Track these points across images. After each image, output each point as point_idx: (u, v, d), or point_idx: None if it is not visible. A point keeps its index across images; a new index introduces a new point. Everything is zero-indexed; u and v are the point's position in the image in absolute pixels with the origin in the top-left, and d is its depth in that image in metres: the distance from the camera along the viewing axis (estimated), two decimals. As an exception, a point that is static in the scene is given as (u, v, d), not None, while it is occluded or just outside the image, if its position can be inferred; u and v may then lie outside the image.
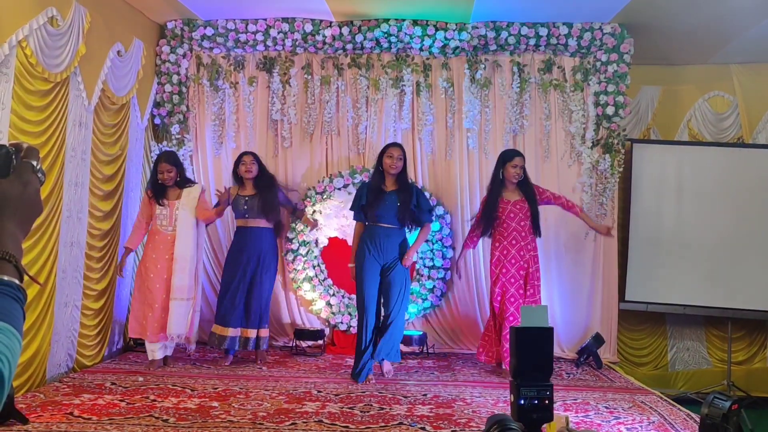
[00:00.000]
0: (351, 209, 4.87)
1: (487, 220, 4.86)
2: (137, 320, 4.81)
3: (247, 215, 5.04)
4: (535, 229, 4.86)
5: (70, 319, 4.54)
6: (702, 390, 5.72)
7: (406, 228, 4.75)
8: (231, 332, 4.93)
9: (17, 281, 0.78)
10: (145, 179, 5.71)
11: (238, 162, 5.12)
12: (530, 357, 1.07)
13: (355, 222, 4.85)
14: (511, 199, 4.87)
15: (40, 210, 0.86)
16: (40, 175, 0.86)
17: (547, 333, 1.09)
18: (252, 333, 4.99)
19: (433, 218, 5.08)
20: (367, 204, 4.67)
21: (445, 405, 3.95)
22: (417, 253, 5.31)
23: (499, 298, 4.86)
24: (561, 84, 5.80)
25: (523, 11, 5.49)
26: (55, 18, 4.12)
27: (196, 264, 4.86)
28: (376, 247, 4.62)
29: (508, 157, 4.92)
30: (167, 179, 4.84)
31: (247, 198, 5.04)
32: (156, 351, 4.77)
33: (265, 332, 5.07)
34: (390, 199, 4.65)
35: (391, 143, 4.90)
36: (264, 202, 5.00)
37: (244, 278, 4.98)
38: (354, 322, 5.68)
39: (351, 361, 5.29)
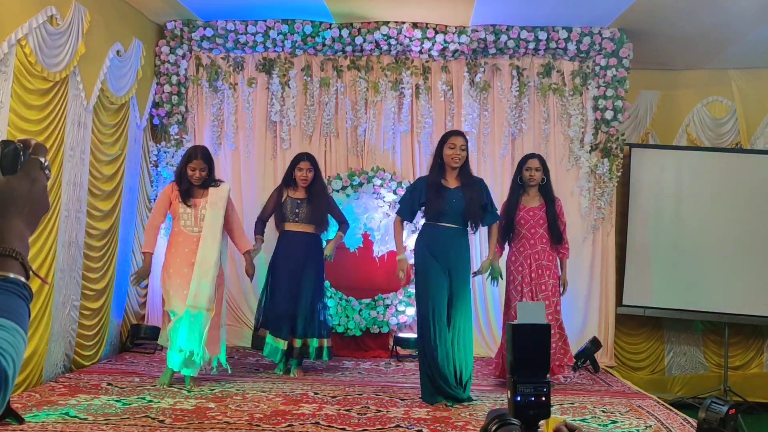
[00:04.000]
0: (401, 202, 4.41)
1: (504, 226, 4.62)
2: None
3: (297, 219, 4.78)
4: (553, 236, 4.56)
5: (68, 319, 4.52)
6: (699, 395, 5.72)
7: (469, 229, 4.27)
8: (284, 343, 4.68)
9: (23, 279, 0.78)
10: (144, 180, 5.70)
11: (294, 165, 4.82)
12: (527, 354, 1.10)
13: (395, 216, 4.39)
14: (527, 205, 4.64)
15: (47, 207, 0.85)
16: (47, 171, 0.85)
17: (544, 330, 1.12)
18: (316, 342, 4.77)
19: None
20: (427, 202, 4.17)
21: (443, 408, 3.94)
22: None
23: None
24: (560, 88, 5.82)
25: (522, 15, 5.50)
26: (55, 17, 4.12)
27: (219, 272, 4.35)
28: (441, 251, 4.11)
29: (523, 160, 4.72)
30: (198, 178, 4.33)
31: (298, 201, 4.77)
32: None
33: (330, 342, 4.88)
34: (456, 196, 4.14)
35: (452, 131, 4.44)
36: (314, 209, 4.75)
37: (296, 284, 4.72)
38: (351, 324, 5.67)
39: (348, 364, 5.30)
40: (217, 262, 4.27)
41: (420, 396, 4.11)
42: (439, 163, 4.20)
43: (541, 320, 1.22)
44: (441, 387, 4.00)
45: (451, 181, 4.19)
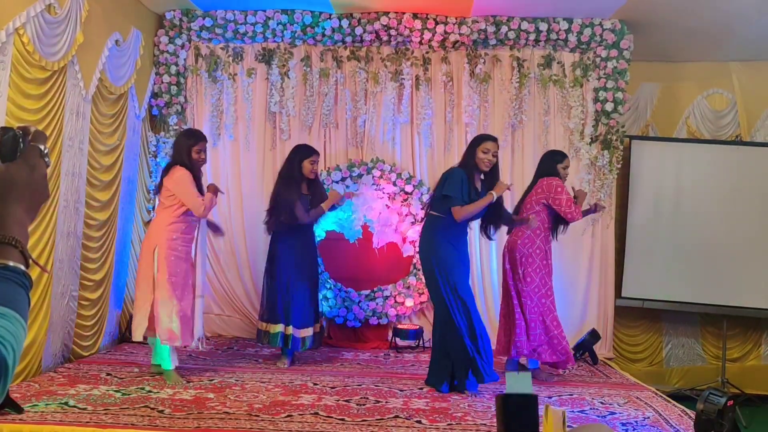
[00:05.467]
0: (456, 193, 4.07)
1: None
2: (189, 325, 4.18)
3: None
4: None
5: (67, 309, 4.52)
6: (696, 386, 5.74)
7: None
8: (305, 332, 4.70)
9: (23, 267, 0.77)
10: (142, 171, 5.68)
11: (303, 158, 4.69)
12: (516, 423, 1.13)
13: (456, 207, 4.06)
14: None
15: (46, 195, 0.84)
16: (46, 159, 0.84)
17: (531, 400, 1.16)
18: (317, 328, 4.84)
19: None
20: (468, 200, 4.11)
21: (441, 399, 3.95)
22: None
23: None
24: (560, 79, 5.80)
25: (523, 6, 5.48)
26: (53, 6, 4.09)
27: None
28: (463, 249, 4.20)
29: (561, 158, 4.67)
30: (203, 161, 4.25)
31: (302, 196, 4.71)
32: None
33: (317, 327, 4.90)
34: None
35: (487, 135, 4.32)
36: (317, 203, 4.73)
37: (312, 277, 4.80)
38: (350, 316, 5.68)
39: (348, 355, 5.31)
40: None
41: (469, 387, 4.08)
42: (472, 164, 4.15)
43: (527, 390, 1.24)
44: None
45: (478, 184, 4.21)
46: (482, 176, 4.21)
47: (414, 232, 5.73)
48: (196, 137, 4.27)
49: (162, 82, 5.77)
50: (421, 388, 4.18)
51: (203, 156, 4.24)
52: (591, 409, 3.85)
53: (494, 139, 4.25)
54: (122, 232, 5.29)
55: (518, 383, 1.11)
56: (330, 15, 5.67)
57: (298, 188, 4.68)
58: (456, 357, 4.05)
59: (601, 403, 4.00)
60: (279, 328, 4.67)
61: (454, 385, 4.11)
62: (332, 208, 4.88)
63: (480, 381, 4.03)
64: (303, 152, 4.73)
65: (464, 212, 4.07)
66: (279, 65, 5.86)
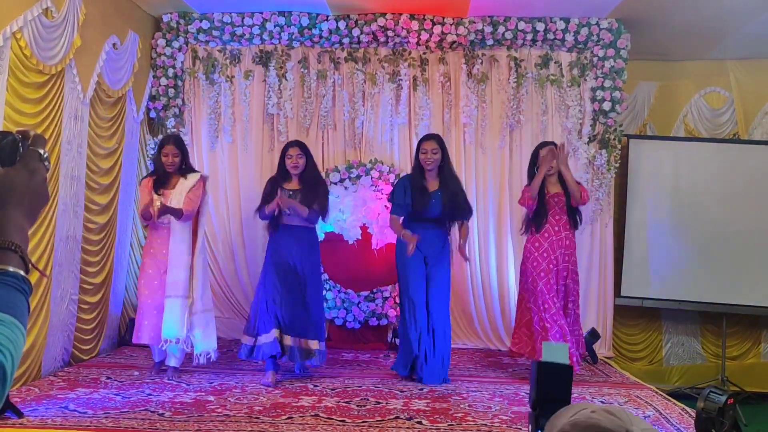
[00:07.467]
0: (390, 201, 4.64)
1: (535, 212, 4.64)
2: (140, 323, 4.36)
3: (288, 212, 4.43)
4: (571, 221, 4.65)
5: (67, 313, 4.51)
6: (696, 385, 5.74)
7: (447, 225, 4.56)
8: (264, 338, 4.32)
9: (22, 272, 0.77)
10: (141, 174, 5.67)
11: (284, 153, 4.54)
12: (549, 391, 1.16)
13: (391, 216, 4.55)
14: (551, 191, 4.61)
15: (46, 199, 0.84)
16: (46, 163, 0.84)
17: (566, 370, 1.20)
18: (302, 343, 4.40)
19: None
20: (412, 204, 4.40)
21: (441, 399, 3.96)
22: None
23: (531, 291, 4.61)
24: (558, 79, 5.80)
25: (520, 6, 5.48)
26: (50, 10, 4.09)
27: (193, 258, 4.32)
28: (422, 247, 4.36)
29: (538, 147, 4.75)
30: (171, 164, 4.36)
31: (290, 193, 4.44)
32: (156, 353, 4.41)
33: (315, 344, 4.44)
34: (435, 197, 4.40)
35: (425, 136, 4.67)
36: (308, 202, 4.41)
37: (287, 282, 4.40)
38: (350, 317, 5.68)
39: (347, 356, 5.30)
40: (188, 250, 4.32)
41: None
42: (418, 166, 4.46)
43: (564, 361, 1.26)
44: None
45: (432, 184, 4.44)
46: (437, 174, 4.45)
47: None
48: (162, 142, 4.54)
49: (159, 85, 5.77)
50: (422, 389, 4.18)
51: (170, 159, 4.41)
52: (591, 408, 3.85)
53: (430, 138, 4.52)
54: (122, 235, 5.28)
55: (555, 353, 1.14)
56: (327, 17, 5.67)
57: (268, 189, 4.51)
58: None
59: (602, 402, 4.00)
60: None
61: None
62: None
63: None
64: (283, 149, 4.58)
65: (395, 224, 4.47)
66: (276, 67, 5.86)
